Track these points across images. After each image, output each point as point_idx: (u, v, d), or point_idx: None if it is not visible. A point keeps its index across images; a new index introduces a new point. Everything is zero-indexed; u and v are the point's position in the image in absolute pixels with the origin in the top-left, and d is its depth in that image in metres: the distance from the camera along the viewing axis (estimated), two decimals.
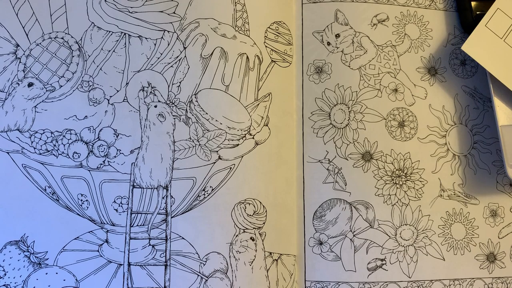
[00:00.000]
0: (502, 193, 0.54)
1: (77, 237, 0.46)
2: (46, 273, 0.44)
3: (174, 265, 0.46)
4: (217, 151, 0.48)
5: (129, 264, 0.46)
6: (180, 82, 0.49)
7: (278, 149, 0.50)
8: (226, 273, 0.47)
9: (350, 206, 0.51)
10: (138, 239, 0.46)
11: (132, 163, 0.47)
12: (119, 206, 0.46)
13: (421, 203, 0.52)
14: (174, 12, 0.50)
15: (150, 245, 0.46)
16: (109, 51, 0.49)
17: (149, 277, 0.46)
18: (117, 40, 0.49)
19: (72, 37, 0.49)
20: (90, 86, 0.48)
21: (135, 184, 0.47)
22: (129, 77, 0.49)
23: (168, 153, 0.48)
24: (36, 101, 0.47)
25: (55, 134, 0.47)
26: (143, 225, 0.47)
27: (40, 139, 0.46)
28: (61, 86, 0.48)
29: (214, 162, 0.48)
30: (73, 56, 0.48)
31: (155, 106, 0.48)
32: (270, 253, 0.48)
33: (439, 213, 0.52)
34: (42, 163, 0.46)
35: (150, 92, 0.49)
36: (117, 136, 0.47)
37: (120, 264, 0.46)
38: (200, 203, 0.47)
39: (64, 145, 0.47)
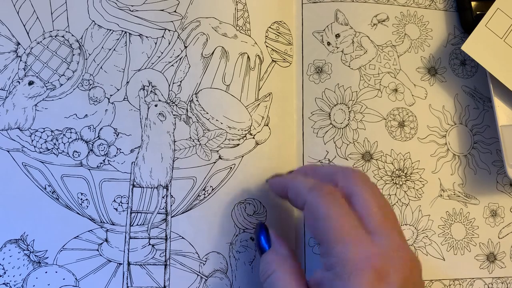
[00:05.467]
0: (502, 193, 0.54)
1: (77, 236, 0.45)
2: (46, 272, 0.44)
3: (174, 265, 0.46)
4: (217, 151, 0.48)
5: (128, 264, 0.46)
6: (180, 81, 0.49)
7: (278, 149, 0.50)
8: (226, 273, 0.47)
9: None
10: (138, 238, 0.46)
11: (132, 162, 0.47)
12: (119, 205, 0.46)
13: (421, 203, 0.52)
14: (175, 11, 0.50)
15: (150, 244, 0.46)
16: (110, 49, 0.49)
17: (149, 276, 0.45)
18: (118, 39, 0.49)
19: (72, 35, 0.49)
20: (91, 84, 0.48)
21: (135, 183, 0.47)
22: (129, 76, 0.49)
23: (168, 152, 0.48)
24: (37, 100, 0.47)
25: (55, 132, 0.47)
26: (143, 224, 0.46)
27: (40, 137, 0.46)
28: (62, 84, 0.48)
29: (215, 162, 0.48)
30: (73, 55, 0.48)
31: (156, 105, 0.48)
32: None
33: (439, 213, 0.52)
34: (42, 162, 0.46)
35: (151, 91, 0.48)
36: (117, 135, 0.47)
37: (120, 264, 0.45)
38: (200, 202, 0.47)
39: (64, 143, 0.47)
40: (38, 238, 0.45)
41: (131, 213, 0.46)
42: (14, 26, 0.48)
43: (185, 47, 0.50)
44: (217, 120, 0.49)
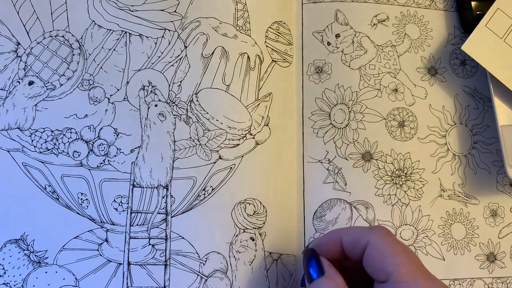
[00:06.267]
0: (502, 193, 0.54)
1: (77, 236, 0.45)
2: (46, 272, 0.44)
3: (174, 265, 0.46)
4: (217, 151, 0.48)
5: (128, 264, 0.46)
6: (180, 81, 0.49)
7: (278, 149, 0.50)
8: (226, 273, 0.47)
9: (350, 206, 0.51)
10: (138, 238, 0.46)
11: (132, 162, 0.47)
12: (119, 205, 0.46)
13: (421, 203, 0.52)
14: (175, 11, 0.50)
15: (150, 244, 0.46)
16: (110, 49, 0.49)
17: (149, 276, 0.45)
18: (118, 39, 0.49)
19: (72, 35, 0.49)
20: (91, 84, 0.48)
21: (135, 183, 0.47)
22: (129, 76, 0.49)
23: (168, 152, 0.48)
24: (37, 100, 0.47)
25: (56, 132, 0.47)
26: (143, 224, 0.46)
27: (41, 137, 0.46)
28: (62, 84, 0.48)
29: (215, 162, 0.48)
30: (73, 55, 0.48)
31: (156, 105, 0.48)
32: (270, 253, 0.48)
33: (439, 213, 0.52)
34: (42, 162, 0.46)
35: (151, 91, 0.48)
36: (117, 135, 0.47)
37: (120, 264, 0.45)
38: (200, 202, 0.47)
39: (64, 143, 0.47)
40: (38, 238, 0.45)
41: (131, 213, 0.46)
42: (14, 26, 0.48)
43: (185, 47, 0.50)
44: (217, 120, 0.49)
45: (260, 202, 0.48)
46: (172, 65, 0.49)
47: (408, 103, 0.54)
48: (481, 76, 0.55)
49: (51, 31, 0.49)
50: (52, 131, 0.47)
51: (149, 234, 0.46)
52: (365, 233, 0.39)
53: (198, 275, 0.46)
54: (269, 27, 0.52)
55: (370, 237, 0.39)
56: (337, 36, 0.54)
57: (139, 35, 0.49)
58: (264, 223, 0.48)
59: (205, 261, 0.46)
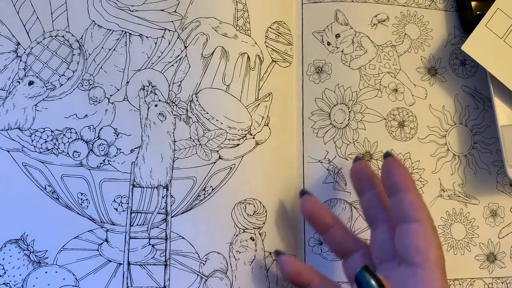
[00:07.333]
0: (502, 193, 0.54)
1: (77, 236, 0.45)
2: (46, 272, 0.44)
3: (174, 265, 0.46)
4: (217, 151, 0.48)
5: (128, 264, 0.46)
6: (180, 81, 0.49)
7: (278, 149, 0.50)
8: (226, 273, 0.47)
9: (350, 206, 0.51)
10: (138, 238, 0.46)
11: (132, 162, 0.47)
12: (119, 205, 0.46)
13: None
14: (175, 11, 0.50)
15: (150, 244, 0.46)
16: (110, 49, 0.49)
17: (149, 276, 0.45)
18: (118, 39, 0.49)
19: (72, 35, 0.49)
20: (91, 84, 0.48)
21: (135, 183, 0.47)
22: (129, 76, 0.49)
23: (168, 152, 0.48)
24: (37, 100, 0.47)
25: (55, 132, 0.47)
26: (143, 224, 0.46)
27: (41, 137, 0.46)
28: (62, 84, 0.48)
29: (215, 162, 0.48)
30: (73, 55, 0.48)
31: (156, 105, 0.48)
32: (270, 253, 0.48)
33: (439, 213, 0.52)
34: (42, 162, 0.46)
35: (151, 91, 0.49)
36: (117, 135, 0.47)
37: (120, 264, 0.45)
38: (200, 202, 0.47)
39: (64, 144, 0.47)
40: (38, 238, 0.45)
41: (131, 213, 0.46)
42: (14, 26, 0.48)
43: (185, 47, 0.50)
44: (217, 120, 0.49)
45: (260, 202, 0.48)
46: (172, 65, 0.49)
47: (408, 103, 0.54)
48: (481, 76, 0.55)
49: (51, 31, 0.49)
50: (52, 131, 0.47)
51: (149, 234, 0.46)
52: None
53: (198, 275, 0.46)
54: (269, 27, 0.52)
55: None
56: (337, 36, 0.54)
57: (139, 35, 0.49)
58: (264, 223, 0.48)
59: (205, 261, 0.46)
